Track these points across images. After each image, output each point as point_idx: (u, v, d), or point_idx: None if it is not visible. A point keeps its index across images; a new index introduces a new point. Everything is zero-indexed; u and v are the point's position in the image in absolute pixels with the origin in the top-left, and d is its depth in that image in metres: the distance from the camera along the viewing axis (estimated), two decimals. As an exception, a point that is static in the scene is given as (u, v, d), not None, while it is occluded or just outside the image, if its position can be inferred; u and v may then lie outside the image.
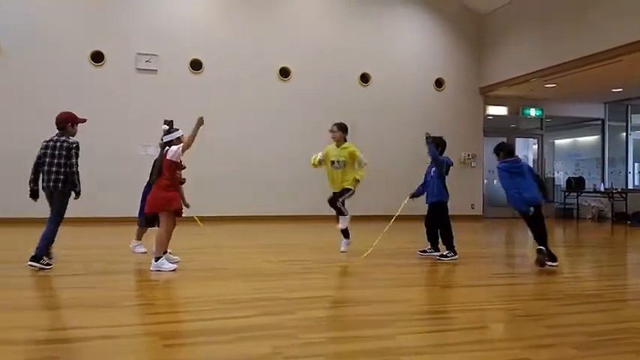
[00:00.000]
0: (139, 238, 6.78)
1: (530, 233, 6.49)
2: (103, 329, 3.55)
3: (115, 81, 11.57)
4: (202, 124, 5.61)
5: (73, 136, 5.87)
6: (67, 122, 5.84)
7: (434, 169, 6.96)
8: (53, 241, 5.78)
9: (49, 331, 3.45)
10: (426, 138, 6.92)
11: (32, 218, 10.70)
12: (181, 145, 5.67)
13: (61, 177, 5.67)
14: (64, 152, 5.69)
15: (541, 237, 6.14)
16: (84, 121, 6.03)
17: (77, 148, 5.74)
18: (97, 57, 11.57)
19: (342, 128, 6.98)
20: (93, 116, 11.61)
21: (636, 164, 15.89)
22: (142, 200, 6.39)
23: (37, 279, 5.30)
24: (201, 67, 12.19)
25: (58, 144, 5.72)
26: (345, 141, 6.99)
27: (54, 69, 11.27)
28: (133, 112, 11.54)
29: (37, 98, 11.07)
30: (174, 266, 5.61)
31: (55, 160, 5.68)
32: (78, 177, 5.74)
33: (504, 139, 14.99)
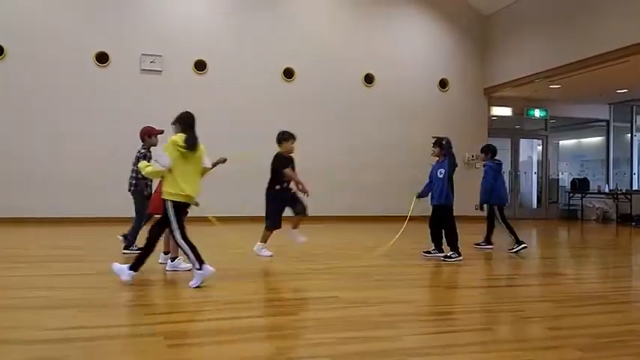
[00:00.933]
0: (264, 240, 6.53)
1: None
2: (107, 329, 3.56)
3: (119, 81, 11.61)
4: (223, 162, 5.92)
5: (154, 145, 6.55)
6: (144, 134, 6.70)
7: (440, 170, 6.94)
8: (137, 233, 6.64)
9: (51, 331, 3.45)
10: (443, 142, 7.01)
11: (32, 218, 10.80)
12: None
13: (133, 181, 6.70)
14: (135, 160, 6.60)
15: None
16: (161, 132, 6.64)
17: (142, 156, 6.50)
18: (102, 58, 11.61)
19: (178, 120, 5.03)
20: (97, 116, 11.77)
21: (641, 165, 15.86)
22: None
23: (37, 279, 5.30)
24: (205, 67, 12.21)
25: (135, 153, 6.67)
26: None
27: (58, 69, 11.31)
28: (137, 113, 11.54)
29: (41, 99, 11.11)
30: (189, 266, 5.61)
31: (132, 167, 6.69)
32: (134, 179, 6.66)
33: (509, 140, 15.13)
